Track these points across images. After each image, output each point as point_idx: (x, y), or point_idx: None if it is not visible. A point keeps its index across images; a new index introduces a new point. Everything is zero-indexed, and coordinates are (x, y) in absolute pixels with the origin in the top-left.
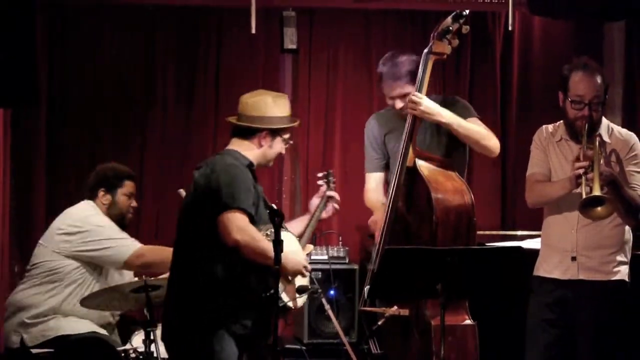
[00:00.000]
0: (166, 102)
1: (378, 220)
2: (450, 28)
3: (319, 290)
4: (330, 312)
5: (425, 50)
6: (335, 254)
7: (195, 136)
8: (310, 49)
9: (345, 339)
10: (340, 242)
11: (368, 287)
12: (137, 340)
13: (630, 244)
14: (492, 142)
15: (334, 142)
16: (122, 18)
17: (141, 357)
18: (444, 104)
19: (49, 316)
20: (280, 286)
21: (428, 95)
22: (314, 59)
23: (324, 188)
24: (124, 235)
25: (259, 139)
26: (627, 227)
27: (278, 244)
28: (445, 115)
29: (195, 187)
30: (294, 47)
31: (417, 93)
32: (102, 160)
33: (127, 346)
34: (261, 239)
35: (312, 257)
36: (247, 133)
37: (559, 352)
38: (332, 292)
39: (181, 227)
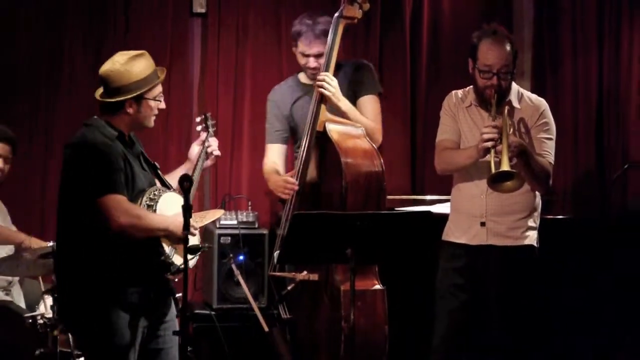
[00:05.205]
0: (74, 64)
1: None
2: None
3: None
4: (239, 277)
5: (336, 14)
6: (245, 219)
7: None
8: (220, 13)
9: (254, 304)
10: (250, 207)
11: (278, 252)
12: (45, 306)
13: (540, 209)
14: (375, 137)
15: (243, 107)
16: None
17: (49, 323)
18: (357, 68)
19: None
20: (171, 249)
21: (342, 60)
22: (223, 23)
23: (203, 135)
24: None
25: (125, 108)
26: (536, 193)
27: (188, 210)
28: (345, 104)
29: (66, 167)
30: (203, 11)
31: (329, 74)
32: (7, 120)
33: (35, 312)
34: (145, 216)
35: (222, 222)
36: (112, 106)
37: (468, 317)
38: (241, 257)
39: (60, 207)
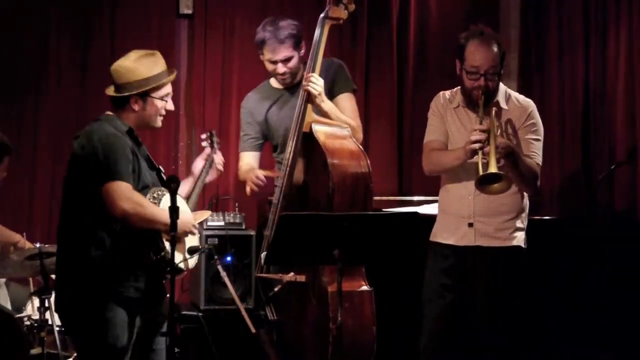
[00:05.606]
0: (60, 66)
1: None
2: None
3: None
4: (226, 279)
5: (322, 15)
6: (232, 220)
7: (91, 100)
8: (206, 14)
9: (241, 306)
10: (237, 208)
11: (264, 253)
12: (32, 308)
13: (527, 210)
14: (356, 135)
15: (230, 107)
16: None
17: (36, 324)
18: (329, 68)
19: None
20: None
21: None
22: (209, 24)
23: (207, 150)
24: None
25: (131, 105)
26: (524, 194)
27: (174, 210)
28: (328, 104)
29: (74, 158)
30: (190, 12)
31: (315, 75)
32: None
33: (22, 314)
34: (148, 205)
35: (209, 223)
36: (119, 101)
37: (456, 317)
38: (228, 258)
39: (65, 198)
